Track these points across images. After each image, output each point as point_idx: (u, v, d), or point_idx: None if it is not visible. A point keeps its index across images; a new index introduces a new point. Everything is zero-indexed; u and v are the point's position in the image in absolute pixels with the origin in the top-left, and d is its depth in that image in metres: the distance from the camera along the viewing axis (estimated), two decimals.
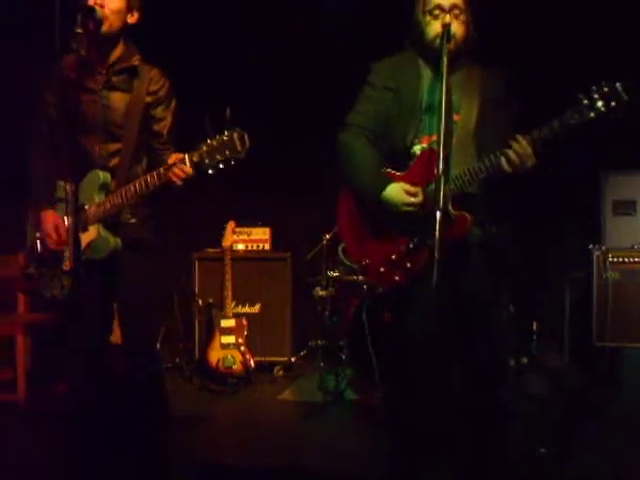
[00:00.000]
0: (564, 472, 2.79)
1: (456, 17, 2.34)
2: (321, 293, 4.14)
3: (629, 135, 4.06)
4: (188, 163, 2.26)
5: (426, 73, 2.44)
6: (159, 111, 2.53)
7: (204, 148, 2.22)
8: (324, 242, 4.18)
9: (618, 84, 2.07)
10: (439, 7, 2.35)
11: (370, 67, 2.53)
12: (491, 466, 2.40)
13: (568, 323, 4.26)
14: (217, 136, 2.19)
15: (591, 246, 4.12)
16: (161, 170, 2.32)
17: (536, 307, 4.18)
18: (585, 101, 2.10)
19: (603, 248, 4.09)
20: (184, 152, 2.31)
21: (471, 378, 2.38)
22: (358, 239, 2.54)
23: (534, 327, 4.10)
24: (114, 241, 2.46)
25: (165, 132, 2.54)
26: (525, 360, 3.97)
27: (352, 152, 2.46)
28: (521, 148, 2.16)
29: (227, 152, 2.17)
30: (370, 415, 3.57)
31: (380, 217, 2.42)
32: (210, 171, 2.22)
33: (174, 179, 2.29)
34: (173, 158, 2.30)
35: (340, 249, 3.91)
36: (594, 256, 4.07)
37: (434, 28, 2.35)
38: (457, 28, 2.34)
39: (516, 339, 3.95)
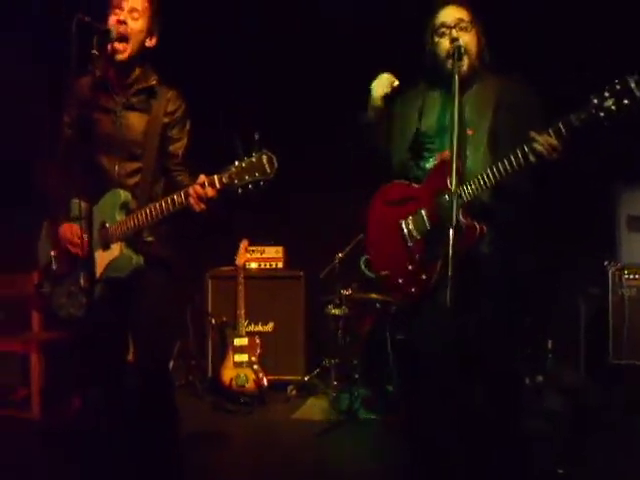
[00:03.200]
0: None
1: (463, 30, 2.36)
2: (334, 311, 4.13)
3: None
4: (218, 184, 2.28)
5: (436, 98, 2.48)
6: (175, 132, 2.55)
7: (233, 169, 2.25)
8: (337, 260, 4.18)
9: (631, 80, 1.97)
10: (444, 25, 2.38)
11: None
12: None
13: (584, 340, 4.22)
14: (246, 158, 2.23)
15: (606, 263, 4.10)
16: (189, 189, 2.32)
17: (552, 324, 4.14)
18: (595, 101, 2.02)
19: (619, 264, 4.07)
20: (208, 172, 2.32)
21: (485, 395, 2.36)
22: (381, 251, 2.58)
23: (549, 344, 4.06)
24: (136, 259, 2.47)
25: (180, 153, 2.56)
26: (540, 378, 3.93)
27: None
28: (544, 140, 2.11)
29: (256, 174, 2.22)
30: (385, 434, 3.55)
31: None
32: (240, 191, 2.25)
33: (195, 200, 2.30)
34: (202, 179, 2.31)
35: (362, 260, 3.91)
36: (610, 273, 4.05)
37: (443, 47, 2.37)
38: (468, 41, 2.35)
39: (531, 357, 3.91)
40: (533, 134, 2.13)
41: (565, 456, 3.04)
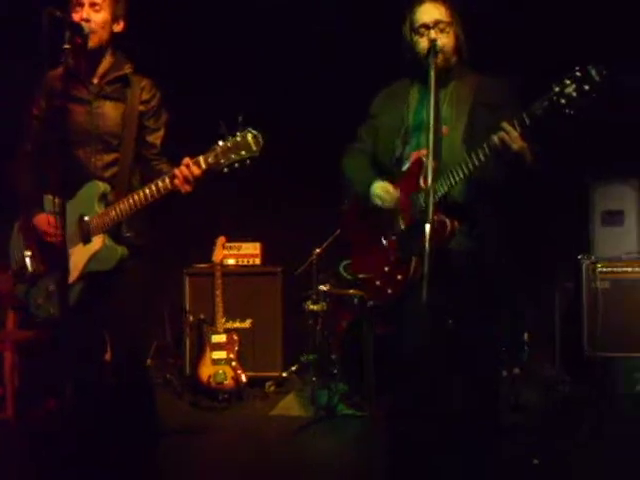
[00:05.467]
0: None
1: (442, 31, 2.39)
2: (312, 307, 4.14)
3: (615, 146, 4.13)
4: (203, 164, 2.28)
5: (416, 94, 2.50)
6: (152, 122, 2.54)
7: (218, 149, 2.25)
8: (314, 256, 4.18)
9: (591, 67, 2.03)
10: (423, 25, 2.41)
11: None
12: (485, 477, 2.40)
13: (559, 333, 4.28)
14: (230, 137, 2.24)
15: (580, 256, 4.16)
16: (175, 171, 2.32)
17: (527, 317, 4.19)
18: (557, 88, 2.06)
19: (592, 258, 4.14)
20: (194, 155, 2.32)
21: (464, 391, 2.38)
22: (361, 253, 2.60)
23: (526, 337, 4.11)
24: (121, 250, 2.44)
25: (159, 143, 2.55)
26: (517, 370, 3.97)
27: (349, 168, 2.62)
28: (505, 133, 2.15)
29: (243, 152, 2.23)
30: (364, 429, 3.55)
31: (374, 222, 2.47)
32: (225, 170, 2.26)
33: (181, 181, 2.30)
34: (186, 160, 2.31)
35: (342, 265, 3.94)
36: (583, 266, 4.12)
37: (422, 45, 2.40)
38: (445, 41, 2.38)
39: (509, 349, 3.95)
40: (503, 124, 2.15)
41: (541, 447, 3.07)
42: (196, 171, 2.28)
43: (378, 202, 2.45)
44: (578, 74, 2.04)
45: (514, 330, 4.02)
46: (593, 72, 2.02)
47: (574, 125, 2.14)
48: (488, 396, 2.43)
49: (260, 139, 2.23)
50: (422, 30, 2.40)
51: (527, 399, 3.78)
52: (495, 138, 2.16)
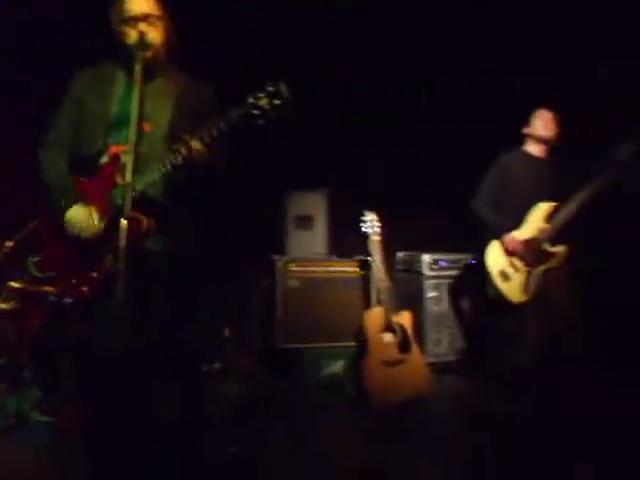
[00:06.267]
0: (258, 471, 2.93)
1: (151, 24, 2.41)
2: (1, 306, 3.80)
3: (308, 158, 4.59)
4: None
5: (121, 83, 2.47)
6: None
7: None
8: (6, 249, 3.84)
9: (282, 84, 2.22)
10: (133, 17, 2.40)
11: (73, 74, 2.51)
12: (186, 470, 2.46)
13: (258, 328, 4.57)
14: None
15: (274, 257, 4.52)
16: None
17: (228, 314, 4.40)
18: (250, 100, 2.23)
19: (285, 258, 4.52)
20: None
21: (164, 392, 2.41)
22: (52, 250, 2.49)
23: (226, 332, 4.30)
24: None
25: None
26: (218, 365, 4.13)
27: (46, 169, 2.49)
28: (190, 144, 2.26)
29: None
30: (58, 436, 3.38)
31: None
32: None
33: None
34: None
35: (30, 261, 3.66)
36: (277, 266, 4.47)
37: (130, 37, 2.39)
38: (154, 35, 2.40)
39: (209, 344, 4.09)
40: (184, 135, 2.26)
41: (241, 437, 3.21)
42: None
43: (74, 232, 2.37)
44: (271, 89, 2.22)
45: (214, 325, 4.19)
46: (282, 88, 2.21)
47: (272, 139, 2.32)
48: (189, 396, 2.49)
49: None
50: (131, 22, 2.39)
51: (227, 392, 3.92)
52: (178, 147, 2.26)
